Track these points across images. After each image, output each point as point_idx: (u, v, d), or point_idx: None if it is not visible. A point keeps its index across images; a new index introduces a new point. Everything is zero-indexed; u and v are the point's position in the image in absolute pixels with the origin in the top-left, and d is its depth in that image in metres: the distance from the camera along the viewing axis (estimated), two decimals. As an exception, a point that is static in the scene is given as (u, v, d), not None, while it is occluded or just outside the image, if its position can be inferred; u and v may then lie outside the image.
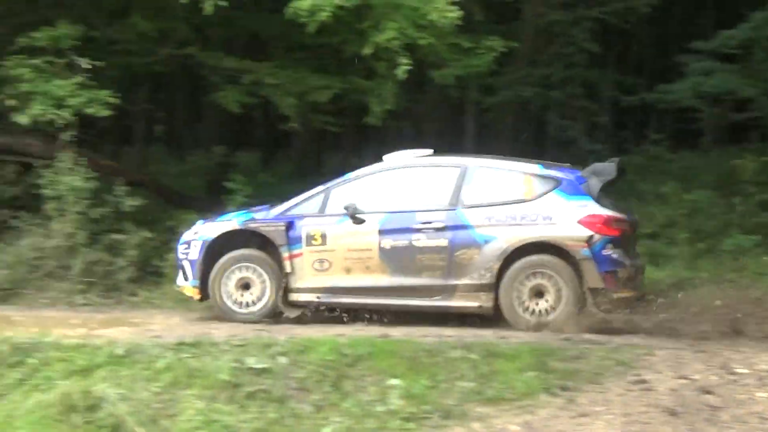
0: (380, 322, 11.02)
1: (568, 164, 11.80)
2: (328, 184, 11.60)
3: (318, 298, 11.28)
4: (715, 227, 15.41)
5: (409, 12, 13.95)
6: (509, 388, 8.81)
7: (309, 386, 8.92)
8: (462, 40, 15.12)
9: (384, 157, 11.79)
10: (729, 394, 8.63)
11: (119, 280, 13.60)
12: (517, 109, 21.71)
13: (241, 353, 9.28)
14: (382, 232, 11.14)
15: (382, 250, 11.11)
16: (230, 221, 11.72)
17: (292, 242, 11.30)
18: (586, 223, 10.78)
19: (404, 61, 13.97)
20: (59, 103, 13.80)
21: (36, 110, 13.72)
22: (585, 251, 10.69)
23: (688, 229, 15.14)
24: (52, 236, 13.71)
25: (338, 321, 11.11)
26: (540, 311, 10.74)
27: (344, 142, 26.26)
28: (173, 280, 12.18)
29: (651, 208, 15.91)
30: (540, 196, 11.02)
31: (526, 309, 10.77)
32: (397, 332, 10.17)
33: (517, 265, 10.81)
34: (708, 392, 8.65)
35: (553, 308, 10.73)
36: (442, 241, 11.01)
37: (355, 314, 11.17)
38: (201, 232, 11.71)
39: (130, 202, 14.19)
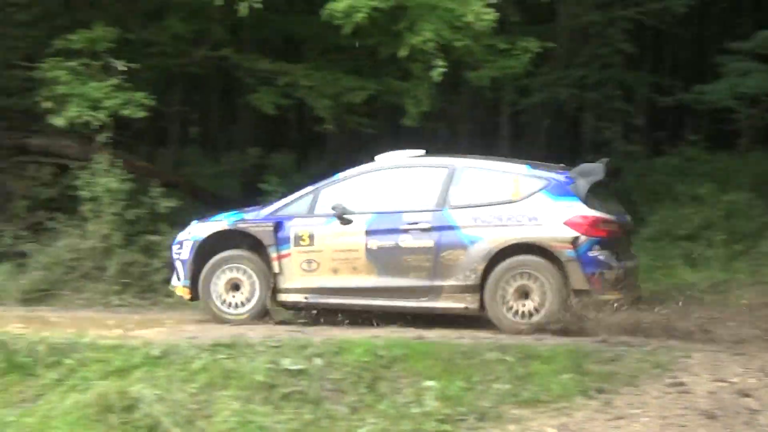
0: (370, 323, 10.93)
1: (562, 165, 11.65)
2: (318, 185, 11.59)
3: (306, 298, 11.26)
4: (752, 229, 15.30)
5: (445, 13, 13.96)
6: (545, 390, 8.77)
7: (344, 388, 8.93)
8: (498, 42, 15.11)
9: (375, 158, 11.74)
10: (768, 398, 8.55)
11: (154, 281, 13.70)
12: (553, 111, 21.63)
13: (276, 354, 9.29)
14: (369, 233, 11.08)
15: (368, 250, 11.05)
16: (221, 221, 11.67)
17: (281, 243, 11.26)
18: (572, 224, 10.64)
19: (440, 62, 13.98)
20: (95, 105, 13.92)
21: (72, 112, 13.84)
22: (570, 252, 10.55)
23: (725, 231, 15.04)
24: (88, 237, 13.83)
25: (370, 324, 11.02)
26: (525, 312, 10.62)
27: (379, 143, 26.19)
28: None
29: (687, 210, 15.81)
30: (527, 196, 10.88)
31: (510, 309, 10.65)
32: (433, 334, 10.14)
33: (502, 266, 10.69)
34: (746, 395, 8.56)
35: (538, 310, 10.59)
36: (428, 241, 10.93)
37: (386, 317, 11.07)
38: (193, 232, 11.71)
39: (166, 204, 14.28)
